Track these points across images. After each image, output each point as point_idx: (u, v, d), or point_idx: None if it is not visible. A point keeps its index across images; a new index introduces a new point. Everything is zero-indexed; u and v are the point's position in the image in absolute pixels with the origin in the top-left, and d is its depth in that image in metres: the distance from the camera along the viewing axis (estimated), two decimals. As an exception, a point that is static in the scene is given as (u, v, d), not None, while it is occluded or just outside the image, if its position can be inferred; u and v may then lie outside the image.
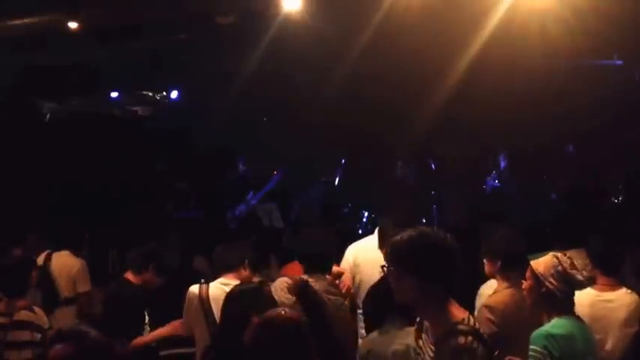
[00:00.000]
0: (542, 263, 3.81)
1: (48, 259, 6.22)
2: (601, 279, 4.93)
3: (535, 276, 3.80)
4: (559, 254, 3.85)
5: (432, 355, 3.02)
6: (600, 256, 4.95)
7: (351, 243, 5.45)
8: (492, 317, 4.18)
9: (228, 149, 11.69)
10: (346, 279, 5.00)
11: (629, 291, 4.91)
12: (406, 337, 3.66)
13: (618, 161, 9.93)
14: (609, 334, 4.80)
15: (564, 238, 4.36)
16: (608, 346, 4.77)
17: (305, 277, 4.58)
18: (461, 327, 2.93)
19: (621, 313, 4.84)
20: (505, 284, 4.42)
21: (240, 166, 11.20)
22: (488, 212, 9.09)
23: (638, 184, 9.50)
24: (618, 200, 9.77)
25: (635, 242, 5.72)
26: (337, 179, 11.30)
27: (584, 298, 4.53)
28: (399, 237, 3.04)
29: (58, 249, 6.34)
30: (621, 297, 4.87)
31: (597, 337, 4.54)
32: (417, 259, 2.96)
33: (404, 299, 3.05)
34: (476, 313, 4.28)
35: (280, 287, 4.44)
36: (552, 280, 3.75)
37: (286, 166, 11.00)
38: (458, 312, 3.01)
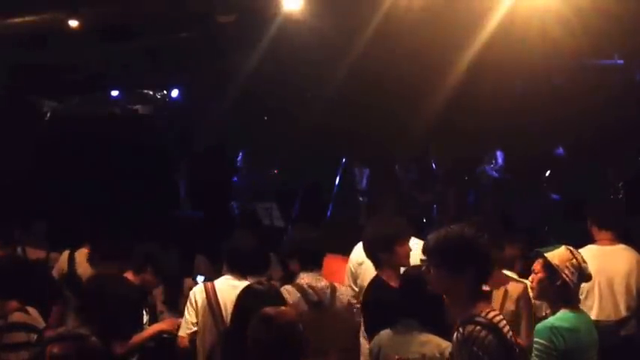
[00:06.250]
0: (557, 255, 3.86)
1: (71, 258, 6.16)
2: (599, 234, 5.23)
3: (550, 268, 3.84)
4: (571, 247, 3.93)
5: None
6: (598, 212, 5.23)
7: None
8: None
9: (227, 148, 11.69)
10: None
11: (627, 246, 5.17)
12: (423, 346, 3.68)
13: (618, 161, 9.93)
14: (614, 284, 5.05)
15: (562, 237, 4.43)
16: (614, 296, 5.02)
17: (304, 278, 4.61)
18: (477, 319, 3.08)
19: (624, 266, 5.10)
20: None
21: (238, 163, 11.16)
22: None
23: (637, 184, 9.52)
24: (618, 199, 9.77)
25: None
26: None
27: (588, 253, 4.66)
28: (438, 233, 3.28)
29: (77, 248, 6.25)
30: (621, 251, 5.17)
31: (603, 287, 4.93)
32: (453, 253, 3.17)
33: (439, 291, 3.29)
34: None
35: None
36: (568, 273, 3.80)
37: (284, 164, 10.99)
38: (484, 307, 3.17)
